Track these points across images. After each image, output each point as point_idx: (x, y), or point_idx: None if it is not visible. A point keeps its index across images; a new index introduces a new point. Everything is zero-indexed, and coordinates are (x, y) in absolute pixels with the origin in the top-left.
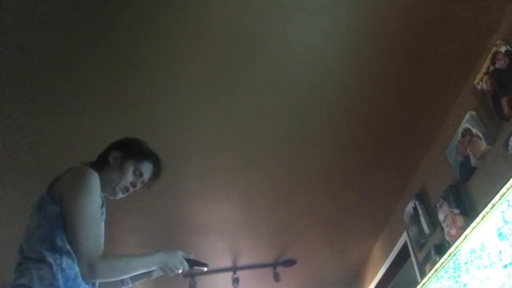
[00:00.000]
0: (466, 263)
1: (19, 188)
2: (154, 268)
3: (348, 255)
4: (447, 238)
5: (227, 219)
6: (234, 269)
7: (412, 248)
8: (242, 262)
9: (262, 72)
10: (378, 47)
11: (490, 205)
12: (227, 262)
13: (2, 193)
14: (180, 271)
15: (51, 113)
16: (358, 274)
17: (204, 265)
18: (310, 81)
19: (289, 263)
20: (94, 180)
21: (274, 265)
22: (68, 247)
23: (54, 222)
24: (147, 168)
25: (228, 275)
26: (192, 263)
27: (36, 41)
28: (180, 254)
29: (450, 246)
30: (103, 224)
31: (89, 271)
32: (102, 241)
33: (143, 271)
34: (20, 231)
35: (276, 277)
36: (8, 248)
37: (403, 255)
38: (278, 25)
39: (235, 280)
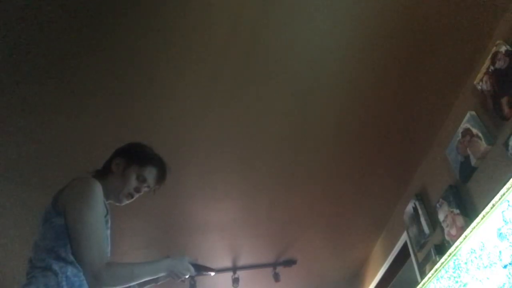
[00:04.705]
0: (466, 263)
1: (19, 188)
2: (161, 274)
3: (348, 255)
4: (447, 238)
5: (227, 219)
6: (234, 269)
7: (412, 248)
8: (242, 262)
9: (262, 73)
10: (378, 48)
11: (490, 205)
12: (227, 262)
13: (2, 193)
14: (187, 276)
15: (53, 112)
16: (358, 274)
17: (211, 270)
18: (310, 81)
19: (289, 263)
20: (96, 190)
21: (274, 265)
22: (72, 258)
23: (58, 233)
24: (150, 173)
25: (228, 275)
26: (199, 268)
27: (38, 40)
28: (186, 260)
29: (450, 246)
30: (108, 232)
31: (94, 280)
32: (107, 250)
33: (149, 278)
34: (22, 231)
35: (276, 277)
36: (8, 248)
37: (403, 255)
38: (279, 25)
39: (235, 280)
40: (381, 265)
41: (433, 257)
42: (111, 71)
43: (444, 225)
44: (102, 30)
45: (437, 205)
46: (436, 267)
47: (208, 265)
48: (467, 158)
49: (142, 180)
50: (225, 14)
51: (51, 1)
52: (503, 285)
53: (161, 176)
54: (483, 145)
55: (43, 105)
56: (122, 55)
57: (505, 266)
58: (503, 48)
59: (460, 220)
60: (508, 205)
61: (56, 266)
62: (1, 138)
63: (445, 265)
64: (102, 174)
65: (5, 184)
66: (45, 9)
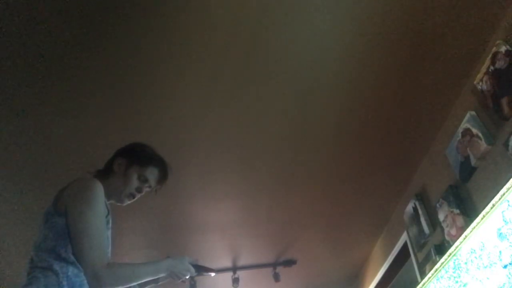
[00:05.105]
0: (466, 263)
1: (19, 188)
2: (161, 275)
3: (348, 255)
4: (447, 238)
5: (227, 219)
6: (234, 269)
7: (412, 248)
8: (242, 262)
9: (262, 73)
10: (378, 48)
11: (490, 205)
12: (227, 262)
13: (2, 193)
14: (187, 277)
15: (53, 113)
16: (358, 274)
17: (211, 270)
18: (310, 81)
19: (289, 263)
20: (98, 190)
21: (274, 265)
22: (73, 258)
23: (60, 233)
24: (151, 173)
25: (228, 275)
26: (199, 268)
27: (38, 40)
28: (186, 260)
29: (450, 246)
30: (109, 233)
31: (95, 280)
32: (108, 250)
33: (149, 278)
34: (22, 231)
35: (276, 277)
36: (9, 248)
37: (403, 255)
38: (279, 25)
39: (235, 280)
40: (381, 265)
41: (433, 257)
42: (111, 71)
43: (444, 225)
44: (102, 31)
45: (437, 205)
46: (436, 267)
47: (208, 265)
48: (467, 158)
49: (143, 180)
50: (225, 14)
51: (51, 2)
52: (503, 285)
53: (163, 177)
54: (483, 145)
55: (43, 106)
56: (122, 55)
57: (505, 266)
58: (503, 48)
59: (460, 220)
60: (508, 205)
61: (57, 266)
62: (1, 138)
63: (445, 265)
64: (104, 174)
65: (5, 184)
66: (45, 10)
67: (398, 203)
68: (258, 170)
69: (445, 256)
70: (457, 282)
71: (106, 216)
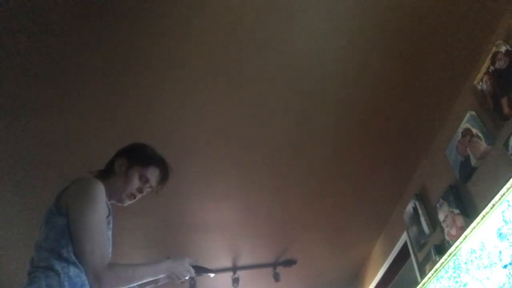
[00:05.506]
0: (466, 263)
1: (20, 188)
2: (161, 276)
3: (348, 255)
4: (447, 238)
5: (227, 219)
6: (234, 269)
7: (412, 248)
8: (242, 262)
9: (262, 73)
10: (378, 48)
11: (490, 205)
12: (227, 262)
13: (2, 193)
14: (187, 278)
15: (53, 113)
16: (358, 274)
17: (211, 271)
18: (310, 81)
19: (289, 263)
20: (99, 190)
21: (274, 265)
22: (74, 258)
23: (61, 233)
24: (153, 173)
25: (228, 275)
26: (199, 269)
27: (35, 41)
28: (186, 261)
29: (450, 246)
30: (110, 233)
31: (96, 281)
32: (109, 250)
33: (150, 279)
34: (23, 231)
35: (276, 277)
36: (10, 248)
37: (403, 255)
38: (279, 25)
39: (235, 280)
40: (381, 265)
41: (433, 257)
42: (111, 72)
43: (444, 225)
44: (102, 32)
45: (437, 205)
46: (436, 267)
47: (208, 265)
48: (467, 158)
49: (144, 180)
50: (225, 14)
51: (52, 2)
52: (503, 285)
53: (164, 177)
54: (483, 145)
55: (43, 106)
56: (122, 55)
57: (505, 266)
58: (503, 48)
59: (460, 220)
60: (508, 205)
61: (58, 266)
62: (1, 138)
63: (445, 265)
64: (105, 174)
65: (5, 184)
66: (42, 10)
67: (398, 203)
68: (258, 170)
69: (445, 256)
70: (457, 282)
71: (107, 217)
